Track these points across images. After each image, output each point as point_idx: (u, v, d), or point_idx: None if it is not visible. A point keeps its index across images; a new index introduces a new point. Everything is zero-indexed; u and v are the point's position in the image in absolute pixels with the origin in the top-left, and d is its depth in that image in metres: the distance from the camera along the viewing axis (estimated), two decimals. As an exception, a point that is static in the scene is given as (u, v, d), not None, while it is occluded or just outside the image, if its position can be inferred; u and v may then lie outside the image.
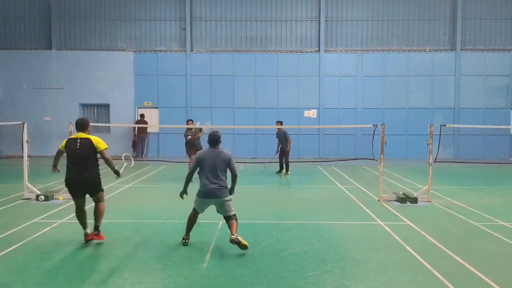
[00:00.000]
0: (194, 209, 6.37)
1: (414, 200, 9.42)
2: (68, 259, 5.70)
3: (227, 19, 20.09)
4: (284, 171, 14.14)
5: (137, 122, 19.36)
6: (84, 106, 20.14)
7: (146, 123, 19.31)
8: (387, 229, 7.33)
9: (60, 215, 8.13)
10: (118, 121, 19.61)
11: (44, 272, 5.23)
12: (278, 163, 14.40)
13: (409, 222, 7.79)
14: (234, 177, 6.27)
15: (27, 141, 9.69)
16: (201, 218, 8.03)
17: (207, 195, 6.12)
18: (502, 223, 7.78)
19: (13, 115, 18.60)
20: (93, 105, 20.18)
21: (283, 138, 14.08)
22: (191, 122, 12.80)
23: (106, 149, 6.37)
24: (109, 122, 19.54)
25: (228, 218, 6.19)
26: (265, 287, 4.88)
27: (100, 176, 6.44)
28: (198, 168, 6.25)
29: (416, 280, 5.07)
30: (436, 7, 19.87)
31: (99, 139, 6.42)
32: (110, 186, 11.46)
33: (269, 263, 5.62)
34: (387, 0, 19.89)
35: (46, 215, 8.15)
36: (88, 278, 5.06)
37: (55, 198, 9.50)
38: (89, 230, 6.42)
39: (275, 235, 6.87)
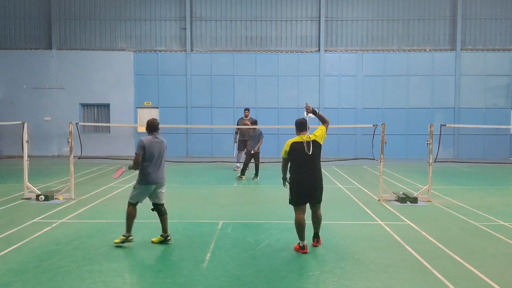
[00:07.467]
0: None
1: (414, 200, 9.42)
2: (68, 259, 5.70)
3: (227, 19, 20.08)
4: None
5: None
6: (84, 106, 20.13)
7: None
8: (387, 229, 7.33)
9: (60, 215, 8.12)
10: (118, 121, 19.61)
11: (44, 272, 5.23)
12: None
13: (409, 222, 7.78)
14: None
15: (27, 141, 9.67)
16: (201, 218, 8.08)
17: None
18: (502, 223, 7.78)
19: (13, 115, 18.57)
20: (93, 105, 20.17)
21: (257, 137, 12.90)
22: (247, 111, 14.34)
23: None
24: (109, 122, 19.55)
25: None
26: (265, 287, 4.88)
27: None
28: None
29: (416, 280, 5.07)
30: (436, 7, 19.85)
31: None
32: (110, 186, 11.46)
33: (269, 263, 5.62)
34: (387, 0, 19.88)
35: (46, 215, 8.14)
36: (88, 278, 5.06)
37: (55, 198, 9.49)
38: None
39: (275, 235, 6.86)
